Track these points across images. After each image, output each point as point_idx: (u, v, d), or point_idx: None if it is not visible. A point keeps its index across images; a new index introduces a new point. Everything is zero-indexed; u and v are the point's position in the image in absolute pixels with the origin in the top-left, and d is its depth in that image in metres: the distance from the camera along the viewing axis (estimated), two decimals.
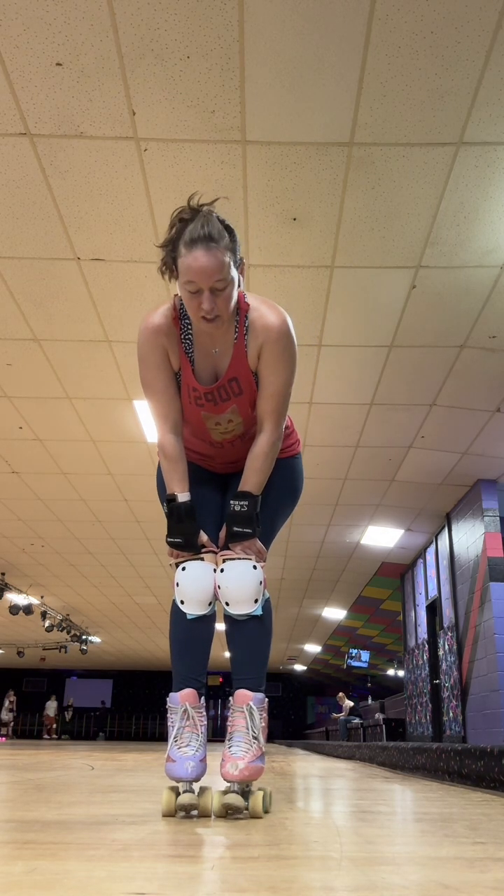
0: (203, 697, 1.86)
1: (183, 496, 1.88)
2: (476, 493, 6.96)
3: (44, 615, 13.20)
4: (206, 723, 1.83)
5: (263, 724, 1.82)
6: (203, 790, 1.76)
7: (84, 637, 15.94)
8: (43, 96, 2.95)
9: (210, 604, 1.88)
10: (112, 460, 6.71)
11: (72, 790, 2.61)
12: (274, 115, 3.03)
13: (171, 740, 1.79)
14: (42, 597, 12.64)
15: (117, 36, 2.70)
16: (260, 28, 2.67)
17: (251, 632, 1.90)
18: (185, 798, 1.68)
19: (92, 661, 21.62)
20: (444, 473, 6.79)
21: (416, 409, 5.56)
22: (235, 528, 1.88)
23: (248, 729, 1.78)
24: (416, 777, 3.89)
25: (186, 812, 1.70)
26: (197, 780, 1.73)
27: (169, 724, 1.84)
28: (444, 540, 8.07)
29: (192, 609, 1.87)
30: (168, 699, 1.86)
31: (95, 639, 16.88)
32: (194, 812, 1.71)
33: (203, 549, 1.90)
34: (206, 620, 1.90)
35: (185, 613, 1.88)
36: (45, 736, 21.83)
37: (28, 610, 12.29)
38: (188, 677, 1.86)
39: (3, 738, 19.03)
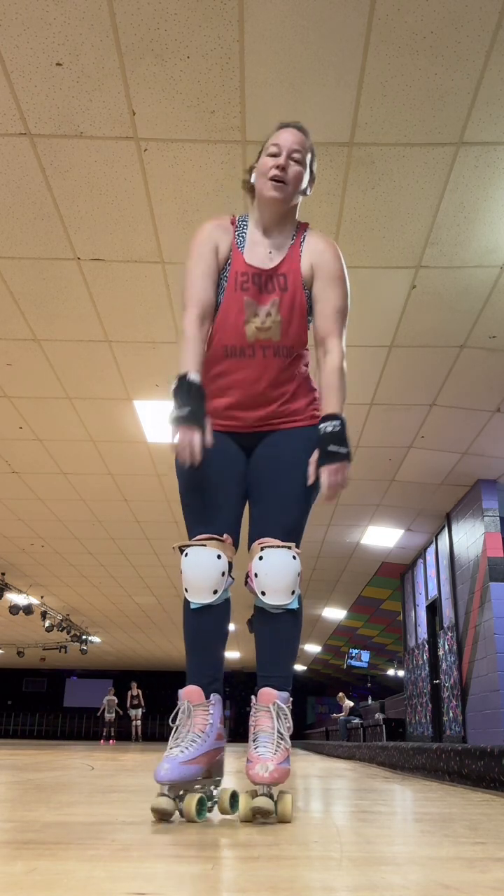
0: (212, 695, 1.77)
1: (194, 375, 1.81)
2: (476, 493, 6.95)
3: (44, 615, 13.20)
4: (210, 722, 1.74)
5: (289, 724, 1.74)
6: (187, 793, 1.65)
7: (84, 637, 15.93)
8: (43, 96, 2.95)
9: (215, 592, 1.79)
10: (112, 460, 6.71)
11: (72, 790, 2.61)
12: (274, 115, 3.02)
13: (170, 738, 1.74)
14: (42, 597, 12.64)
15: (117, 36, 2.70)
16: (260, 28, 2.68)
17: (284, 626, 1.83)
18: (158, 802, 1.59)
19: (92, 661, 21.60)
20: (444, 473, 6.79)
21: (416, 409, 5.55)
22: (331, 448, 1.80)
23: (273, 729, 1.71)
24: (416, 777, 3.89)
25: (162, 818, 1.59)
26: (172, 783, 1.61)
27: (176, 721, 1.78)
28: (444, 540, 8.07)
29: (196, 597, 1.79)
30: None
31: (95, 639, 16.88)
32: (174, 819, 1.61)
33: (206, 537, 1.82)
34: (213, 612, 1.82)
35: (190, 604, 1.81)
36: None
37: (28, 610, 12.29)
38: (195, 673, 1.80)
39: (112, 741, 15.96)
